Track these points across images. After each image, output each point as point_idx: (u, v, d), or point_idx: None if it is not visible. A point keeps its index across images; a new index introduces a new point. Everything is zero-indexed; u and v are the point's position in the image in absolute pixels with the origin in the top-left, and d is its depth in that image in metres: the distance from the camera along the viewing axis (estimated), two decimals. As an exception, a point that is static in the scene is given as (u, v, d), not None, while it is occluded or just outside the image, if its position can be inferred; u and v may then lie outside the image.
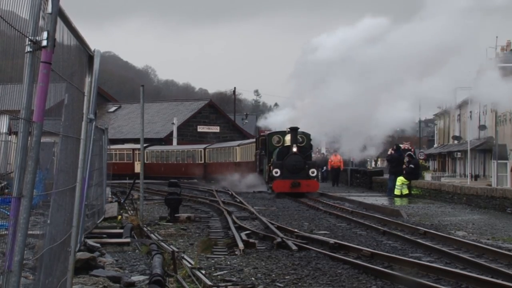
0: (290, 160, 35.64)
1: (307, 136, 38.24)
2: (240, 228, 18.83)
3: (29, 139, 4.49)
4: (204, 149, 58.45)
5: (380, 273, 11.94)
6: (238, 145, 51.93)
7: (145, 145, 63.19)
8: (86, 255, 11.48)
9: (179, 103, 77.79)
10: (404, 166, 33.77)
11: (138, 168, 61.57)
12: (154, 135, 69.24)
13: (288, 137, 36.91)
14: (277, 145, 38.23)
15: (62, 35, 5.43)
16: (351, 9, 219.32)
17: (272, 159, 37.37)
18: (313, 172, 36.02)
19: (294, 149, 35.81)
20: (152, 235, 17.44)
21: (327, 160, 49.90)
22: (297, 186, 35.06)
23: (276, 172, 35.68)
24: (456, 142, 53.76)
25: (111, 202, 23.47)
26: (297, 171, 35.50)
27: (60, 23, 5.10)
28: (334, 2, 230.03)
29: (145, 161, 62.32)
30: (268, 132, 42.07)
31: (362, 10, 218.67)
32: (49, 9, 4.60)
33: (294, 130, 36.37)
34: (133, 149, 62.61)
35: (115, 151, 62.83)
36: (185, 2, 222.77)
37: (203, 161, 57.85)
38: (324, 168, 50.30)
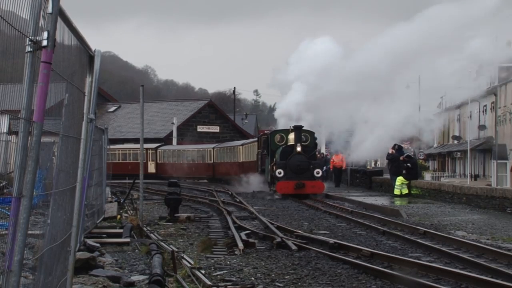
0: (294, 160, 34.26)
1: (311, 134, 36.63)
2: (239, 228, 18.83)
3: (29, 139, 4.49)
4: (213, 148, 57.66)
5: (379, 273, 11.94)
6: (242, 145, 50.94)
7: (157, 144, 63.19)
8: (85, 255, 11.48)
9: (179, 103, 77.77)
10: (401, 159, 33.83)
11: (152, 168, 60.82)
12: (154, 135, 69.22)
13: (291, 136, 35.42)
14: (280, 144, 36.78)
15: (63, 35, 5.43)
16: (352, 9, 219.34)
17: (275, 159, 35.89)
18: (318, 173, 34.57)
19: (298, 149, 34.28)
20: (151, 235, 17.45)
21: (327, 160, 49.77)
22: (302, 187, 33.67)
23: (280, 173, 34.29)
24: (456, 142, 53.75)
25: (110, 202, 23.48)
26: (302, 171, 34.13)
27: (60, 23, 5.11)
28: (335, 2, 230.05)
29: (158, 161, 61.68)
30: (270, 130, 41.27)
31: (362, 10, 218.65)
32: (50, 9, 4.60)
33: (298, 129, 34.73)
34: (147, 149, 61.84)
35: (129, 150, 62.31)
36: (185, 2, 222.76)
37: (212, 161, 57.10)
38: (325, 168, 50.16)
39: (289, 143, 35.92)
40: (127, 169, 57.78)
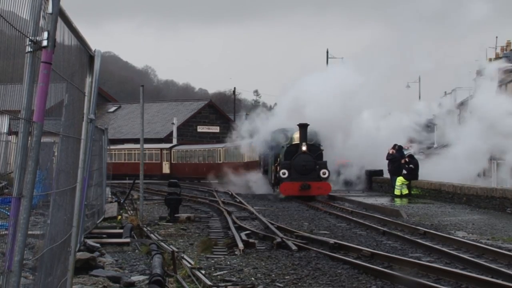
0: (299, 160, 32.64)
1: (317, 133, 34.77)
2: (240, 228, 18.84)
3: (29, 139, 4.49)
4: (222, 148, 55.80)
5: (380, 273, 11.95)
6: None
7: (172, 144, 62.51)
8: (86, 255, 11.48)
9: (179, 103, 77.78)
10: (402, 162, 33.72)
11: (166, 168, 59.73)
12: (154, 135, 69.24)
13: (296, 135, 33.76)
14: (285, 143, 34.83)
15: (63, 35, 5.43)
16: (351, 10, 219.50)
17: (278, 159, 34.26)
18: (324, 173, 32.85)
19: (304, 148, 32.63)
20: (152, 235, 17.45)
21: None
22: (307, 189, 32.04)
23: (284, 173, 32.60)
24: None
25: (111, 202, 23.49)
26: (307, 172, 32.51)
27: (60, 23, 5.10)
28: (334, 2, 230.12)
29: (172, 161, 60.76)
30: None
31: (359, 11, 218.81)
32: (50, 9, 4.60)
33: (303, 127, 32.89)
34: (161, 149, 60.59)
35: (144, 151, 61.17)
36: (185, 2, 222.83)
37: (221, 161, 54.86)
38: None
39: (293, 142, 34.14)
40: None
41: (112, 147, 62.59)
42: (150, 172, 56.86)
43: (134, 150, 61.10)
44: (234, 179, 44.56)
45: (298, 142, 33.36)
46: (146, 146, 62.83)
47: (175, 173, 57.26)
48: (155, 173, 56.43)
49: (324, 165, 33.39)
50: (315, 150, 33.84)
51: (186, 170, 57.18)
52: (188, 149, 60.41)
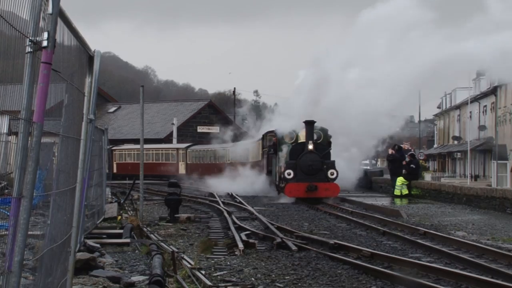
0: (306, 159, 31.03)
1: (324, 131, 33.31)
2: (240, 229, 18.84)
3: (29, 139, 4.49)
4: (230, 148, 54.29)
5: (380, 273, 11.95)
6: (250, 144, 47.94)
7: (187, 144, 62.18)
8: (86, 256, 11.48)
9: (179, 104, 77.77)
10: (404, 163, 33.73)
11: (182, 169, 58.78)
12: (154, 135, 69.22)
13: (302, 133, 32.19)
14: (290, 142, 33.40)
15: (63, 35, 5.43)
16: (350, 7, 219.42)
17: (284, 159, 32.72)
18: (332, 174, 31.16)
19: (310, 147, 31.02)
20: (152, 235, 17.45)
21: None
22: (314, 190, 30.48)
23: (289, 174, 31.01)
24: (456, 142, 53.82)
25: (111, 202, 23.48)
26: (314, 172, 30.92)
27: (60, 24, 5.10)
28: (333, 2, 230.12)
29: (187, 162, 60.25)
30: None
31: (357, 10, 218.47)
32: (50, 10, 4.60)
33: (309, 124, 31.25)
34: (177, 149, 60.00)
35: (161, 150, 60.96)
36: (185, 2, 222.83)
37: (229, 161, 53.04)
38: None
39: (299, 141, 32.60)
40: (158, 170, 56.80)
41: (131, 147, 62.64)
42: (168, 173, 56.52)
43: (151, 150, 60.70)
44: (238, 180, 44.14)
45: (304, 140, 31.79)
46: (163, 146, 62.54)
47: (191, 174, 56.33)
48: (172, 174, 55.91)
49: (332, 165, 31.58)
50: (322, 149, 32.21)
51: (199, 170, 56.25)
52: (204, 148, 59.07)
